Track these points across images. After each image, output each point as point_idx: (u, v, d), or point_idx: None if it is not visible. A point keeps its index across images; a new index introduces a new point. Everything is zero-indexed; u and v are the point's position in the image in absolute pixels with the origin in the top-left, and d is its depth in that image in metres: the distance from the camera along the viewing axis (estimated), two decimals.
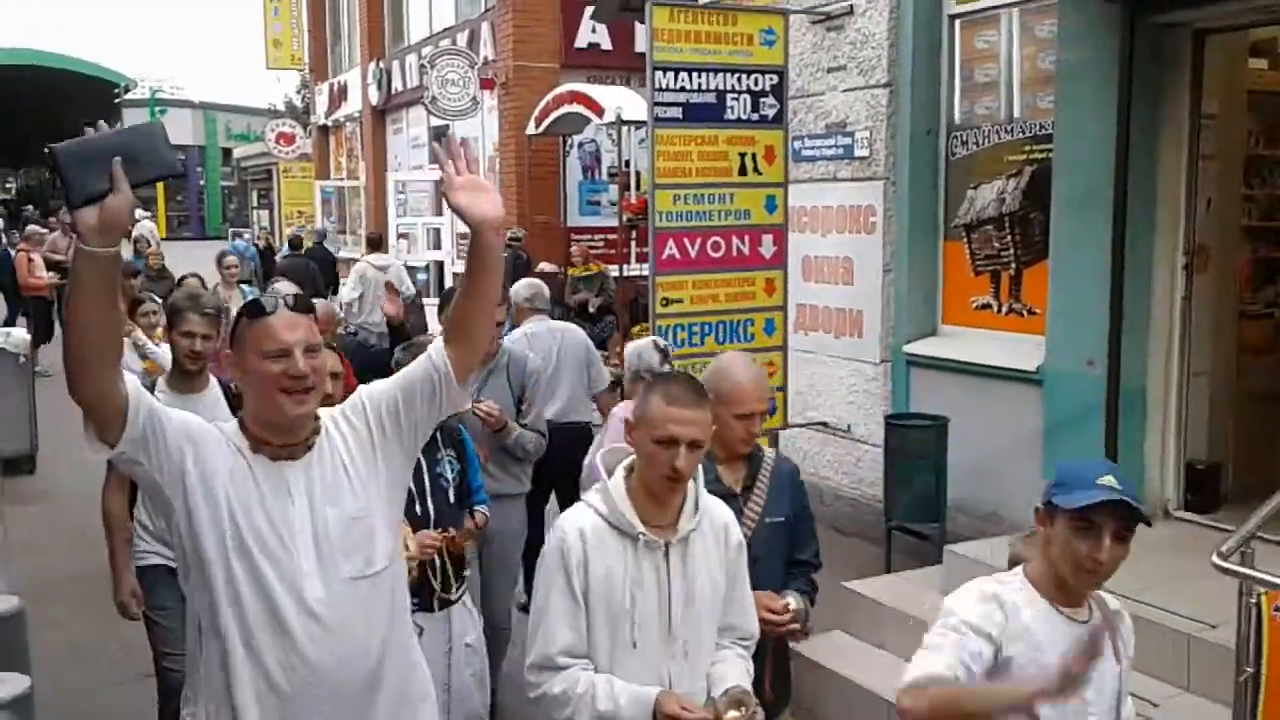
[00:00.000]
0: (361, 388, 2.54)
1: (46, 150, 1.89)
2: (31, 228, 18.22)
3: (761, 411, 3.20)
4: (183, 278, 8.87)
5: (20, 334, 10.09)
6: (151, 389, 3.96)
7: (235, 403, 3.90)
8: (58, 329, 14.03)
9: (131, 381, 2.22)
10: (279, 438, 2.35)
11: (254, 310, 2.34)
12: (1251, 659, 3.37)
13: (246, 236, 24.92)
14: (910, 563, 6.09)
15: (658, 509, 2.61)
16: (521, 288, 6.43)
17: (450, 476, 3.87)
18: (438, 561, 3.69)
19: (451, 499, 3.85)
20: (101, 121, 2.10)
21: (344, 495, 2.37)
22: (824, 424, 7.55)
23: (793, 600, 3.13)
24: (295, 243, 17.36)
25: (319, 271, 14.50)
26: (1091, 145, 5.67)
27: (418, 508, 3.68)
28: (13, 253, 15.92)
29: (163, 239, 22.57)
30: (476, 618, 3.97)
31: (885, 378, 7.19)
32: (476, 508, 4.06)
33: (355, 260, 13.26)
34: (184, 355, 4.10)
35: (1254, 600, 3.36)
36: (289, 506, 2.33)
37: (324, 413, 2.44)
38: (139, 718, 4.83)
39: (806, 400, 7.57)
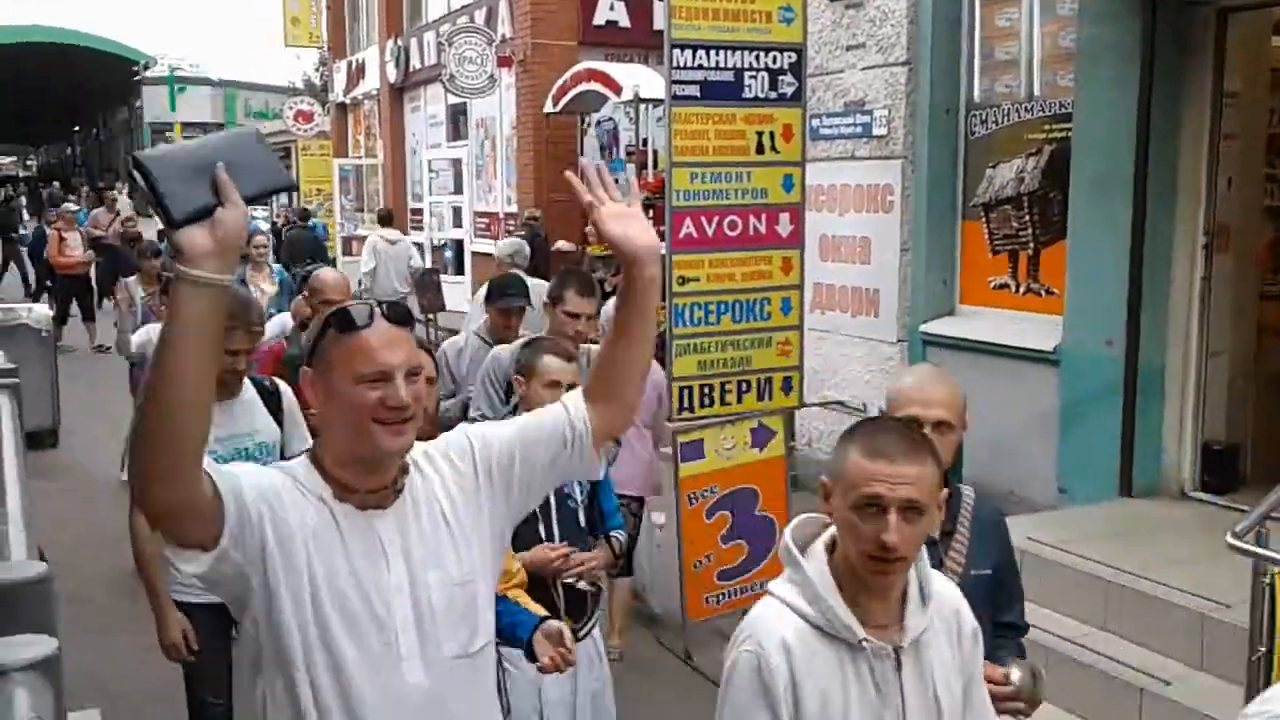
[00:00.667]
0: (469, 427, 2.14)
1: (130, 159, 1.60)
2: (66, 205, 18.51)
3: (937, 422, 2.57)
4: None
5: (42, 310, 10.16)
6: None
7: (271, 404, 3.76)
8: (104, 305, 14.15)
9: (208, 463, 1.75)
10: (366, 480, 1.91)
11: (344, 322, 1.89)
12: (1265, 639, 3.38)
13: (260, 214, 25.01)
14: None
15: (874, 600, 1.97)
16: (504, 246, 8.10)
17: (579, 497, 3.39)
18: (556, 598, 3.18)
19: (581, 521, 3.37)
20: (171, 134, 1.66)
21: (445, 555, 1.96)
22: (840, 403, 7.55)
23: (1015, 671, 2.49)
24: (304, 215, 17.95)
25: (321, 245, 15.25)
26: (1112, 124, 5.63)
27: (541, 529, 3.24)
28: (48, 230, 16.06)
29: None
30: (605, 662, 3.44)
31: (902, 357, 7.18)
32: (613, 533, 3.49)
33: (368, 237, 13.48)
34: (225, 372, 3.57)
35: (1268, 580, 3.37)
36: (383, 571, 1.89)
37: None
38: (158, 693, 4.89)
39: (823, 380, 7.57)
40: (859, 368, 7.48)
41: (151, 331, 6.16)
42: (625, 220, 1.97)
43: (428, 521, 1.95)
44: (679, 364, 5.30)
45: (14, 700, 1.30)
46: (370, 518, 1.91)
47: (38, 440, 8.85)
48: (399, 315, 1.95)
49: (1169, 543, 5.10)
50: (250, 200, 1.63)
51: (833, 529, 2.03)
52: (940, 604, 2.06)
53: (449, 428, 2.18)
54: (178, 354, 1.59)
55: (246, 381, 3.76)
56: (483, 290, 8.05)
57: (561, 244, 12.90)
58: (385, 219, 13.50)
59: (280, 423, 3.79)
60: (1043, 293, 6.53)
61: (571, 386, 3.32)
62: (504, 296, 5.14)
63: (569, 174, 2.01)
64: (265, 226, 19.66)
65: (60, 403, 9.61)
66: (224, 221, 1.59)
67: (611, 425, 2.09)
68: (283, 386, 3.86)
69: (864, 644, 1.94)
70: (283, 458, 3.54)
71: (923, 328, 7.03)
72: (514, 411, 3.51)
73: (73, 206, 18.64)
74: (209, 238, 1.58)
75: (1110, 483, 5.70)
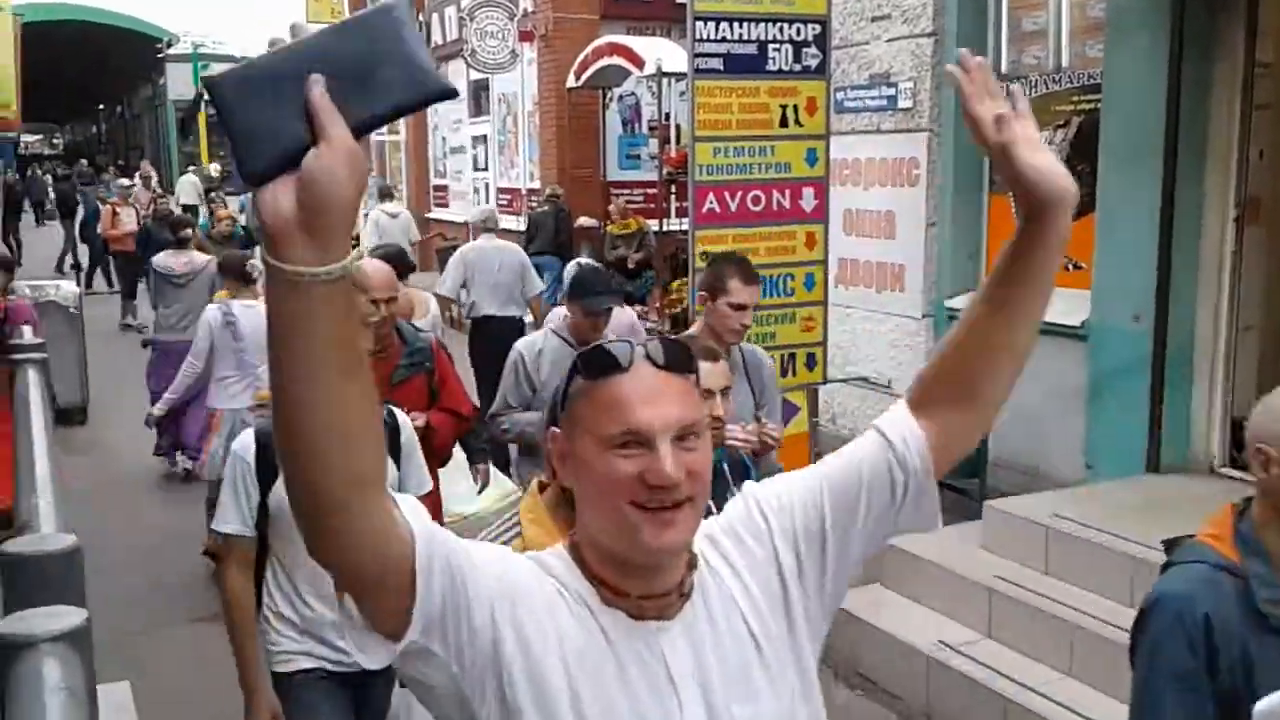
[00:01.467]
0: (755, 492, 1.53)
1: (204, 85, 1.19)
2: (121, 182, 18.69)
3: None
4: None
5: (70, 286, 10.29)
6: None
7: (386, 437, 3.13)
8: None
9: (410, 507, 1.26)
10: (638, 583, 1.38)
11: (595, 364, 1.38)
12: None
13: None
14: (950, 518, 5.99)
15: None
16: (477, 212, 8.99)
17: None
18: None
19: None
20: (296, 22, 1.09)
21: (755, 681, 1.41)
22: (865, 379, 7.52)
23: None
24: None
25: None
26: (1141, 95, 5.55)
27: None
28: (101, 207, 16.27)
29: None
30: None
31: (927, 333, 7.14)
32: None
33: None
34: None
35: None
36: (674, 709, 1.36)
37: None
38: (186, 662, 4.94)
39: (847, 355, 7.54)
40: (884, 344, 7.44)
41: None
42: (1036, 149, 1.36)
43: (729, 636, 1.41)
44: None
45: (44, 671, 1.31)
46: (650, 633, 1.37)
47: (67, 417, 8.96)
48: (674, 358, 1.38)
49: (1197, 519, 5.03)
50: (377, 125, 1.07)
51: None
52: None
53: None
54: (284, 372, 1.11)
55: None
56: (452, 262, 8.00)
57: (583, 220, 12.88)
58: (385, 193, 13.70)
59: (396, 459, 3.20)
60: (1070, 267, 6.46)
61: (725, 392, 2.85)
62: (591, 295, 4.37)
63: (949, 67, 1.39)
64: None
65: (90, 380, 9.74)
66: (313, 176, 1.03)
67: (964, 438, 1.51)
68: (400, 416, 3.32)
69: None
70: None
71: (948, 303, 6.98)
72: None
73: (127, 182, 18.81)
74: (292, 203, 1.03)
75: (1138, 459, 5.65)
